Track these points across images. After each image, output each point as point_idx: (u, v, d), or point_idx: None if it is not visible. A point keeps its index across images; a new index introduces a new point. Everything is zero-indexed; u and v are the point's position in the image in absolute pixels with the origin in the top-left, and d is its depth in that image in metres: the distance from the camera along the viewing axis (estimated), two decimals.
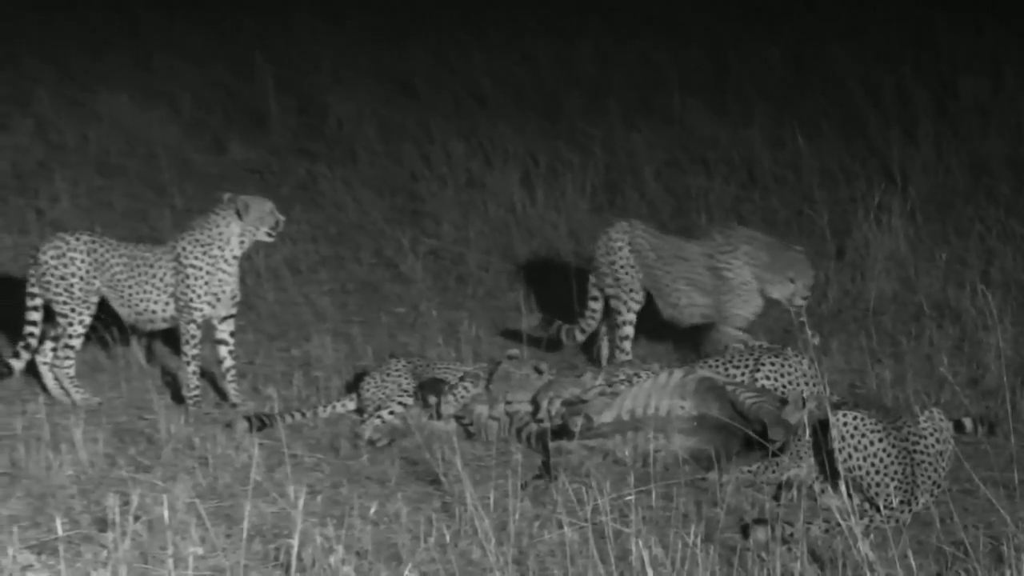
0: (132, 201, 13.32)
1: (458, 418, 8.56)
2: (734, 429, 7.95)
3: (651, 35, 20.22)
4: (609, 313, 9.66)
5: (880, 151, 14.11)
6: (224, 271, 8.90)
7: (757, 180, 13.63)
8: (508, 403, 8.48)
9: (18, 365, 9.02)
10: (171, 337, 9.68)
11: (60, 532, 6.99)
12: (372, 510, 7.27)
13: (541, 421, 8.35)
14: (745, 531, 7.19)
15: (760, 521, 7.20)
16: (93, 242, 8.93)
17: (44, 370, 8.99)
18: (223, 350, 9.01)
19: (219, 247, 8.89)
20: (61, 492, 7.63)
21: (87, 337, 8.99)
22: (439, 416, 8.57)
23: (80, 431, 8.00)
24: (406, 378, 8.75)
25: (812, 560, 6.84)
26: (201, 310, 8.88)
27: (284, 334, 10.10)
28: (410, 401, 8.64)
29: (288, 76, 17.74)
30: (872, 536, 6.95)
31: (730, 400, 8.06)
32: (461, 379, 8.67)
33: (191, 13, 22.61)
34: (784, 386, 8.49)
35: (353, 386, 9.05)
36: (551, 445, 8.10)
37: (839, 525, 6.81)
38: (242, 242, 8.93)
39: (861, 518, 7.02)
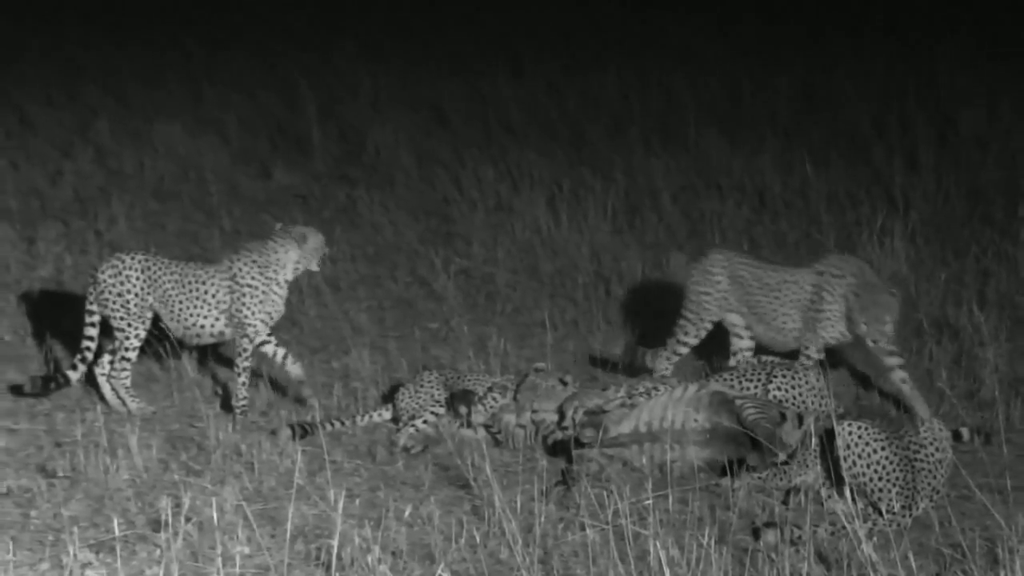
0: (184, 223, 13.36)
1: (487, 427, 8.57)
2: (744, 439, 7.94)
3: (670, 69, 20.22)
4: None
5: (883, 178, 14.09)
6: (276, 293, 8.98)
7: (767, 204, 13.61)
8: (534, 412, 8.48)
9: (74, 376, 9.04)
10: (220, 351, 9.71)
11: (117, 532, 7.02)
12: (407, 512, 7.29)
13: (566, 429, 8.35)
14: (756, 533, 7.18)
15: (770, 524, 7.19)
16: (146, 260, 8.96)
17: (102, 381, 9.02)
18: (270, 347, 9.07)
19: (275, 270, 8.97)
20: (118, 495, 7.65)
21: (142, 350, 9.02)
22: (469, 425, 8.58)
23: (135, 438, 8.02)
24: (438, 389, 8.75)
25: (819, 561, 6.83)
26: (255, 327, 8.93)
27: (325, 348, 10.11)
28: (442, 411, 8.65)
29: (330, 106, 17.78)
30: (875, 538, 6.94)
31: (736, 413, 8.06)
32: (490, 390, 8.68)
33: (240, 47, 22.71)
34: (795, 398, 8.49)
35: (389, 397, 9.06)
36: (574, 453, 8.11)
37: (844, 528, 6.80)
38: (296, 268, 9.03)
39: (865, 521, 7.00)
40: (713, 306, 9.34)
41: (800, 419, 7.93)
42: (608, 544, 6.79)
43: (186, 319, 8.97)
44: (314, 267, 9.12)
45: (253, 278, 8.93)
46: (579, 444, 8.14)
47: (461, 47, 23.63)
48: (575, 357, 9.99)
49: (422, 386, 8.81)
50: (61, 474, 7.89)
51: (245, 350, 8.95)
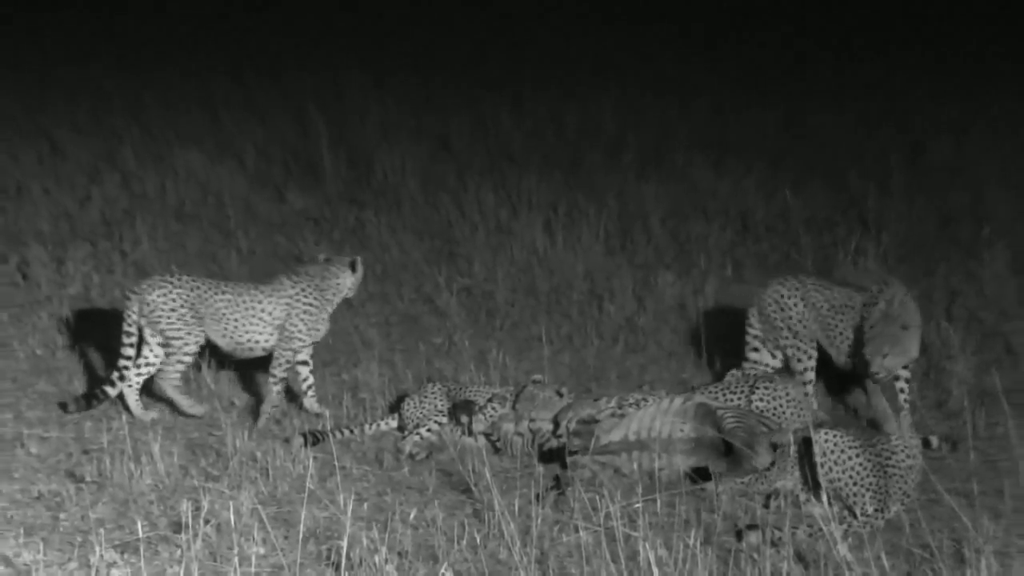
0: (203, 243, 13.36)
1: (487, 435, 8.58)
2: (727, 449, 7.96)
3: (661, 100, 20.27)
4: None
5: (858, 202, 14.11)
6: (327, 312, 9.15)
7: (750, 227, 13.63)
8: (532, 421, 8.49)
9: (113, 392, 9.03)
10: (237, 365, 9.73)
11: (141, 534, 7.04)
12: (412, 515, 7.30)
13: (561, 438, 8.36)
14: (739, 535, 7.19)
15: (752, 526, 7.20)
16: (193, 281, 9.03)
17: (127, 392, 9.03)
18: (305, 370, 9.15)
19: (332, 293, 9.17)
20: (142, 498, 7.66)
21: (152, 365, 9.03)
22: (470, 433, 8.59)
23: (158, 445, 8.03)
24: (441, 400, 8.77)
25: (798, 561, 6.84)
26: (304, 341, 9.06)
27: (336, 360, 10.13)
28: (445, 420, 8.66)
29: (341, 134, 17.79)
30: (850, 539, 6.95)
31: (717, 423, 8.07)
32: (490, 400, 8.69)
33: (257, 78, 22.71)
34: (775, 409, 8.50)
35: (395, 407, 9.07)
36: (568, 459, 8.12)
37: (821, 530, 6.82)
38: (348, 292, 9.23)
39: (840, 524, 7.02)
40: (800, 329, 9.25)
41: (774, 447, 7.93)
42: (600, 545, 6.80)
43: (241, 335, 9.02)
44: (352, 294, 9.40)
45: (315, 299, 9.07)
46: (573, 451, 8.16)
47: (464, 79, 23.67)
48: (570, 370, 10.01)
49: (426, 397, 8.82)
50: (88, 479, 7.89)
51: (288, 362, 9.04)
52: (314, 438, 8.52)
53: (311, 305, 9.07)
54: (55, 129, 18.63)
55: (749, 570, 6.67)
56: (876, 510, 7.36)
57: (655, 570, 6.37)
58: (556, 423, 8.41)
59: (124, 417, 8.74)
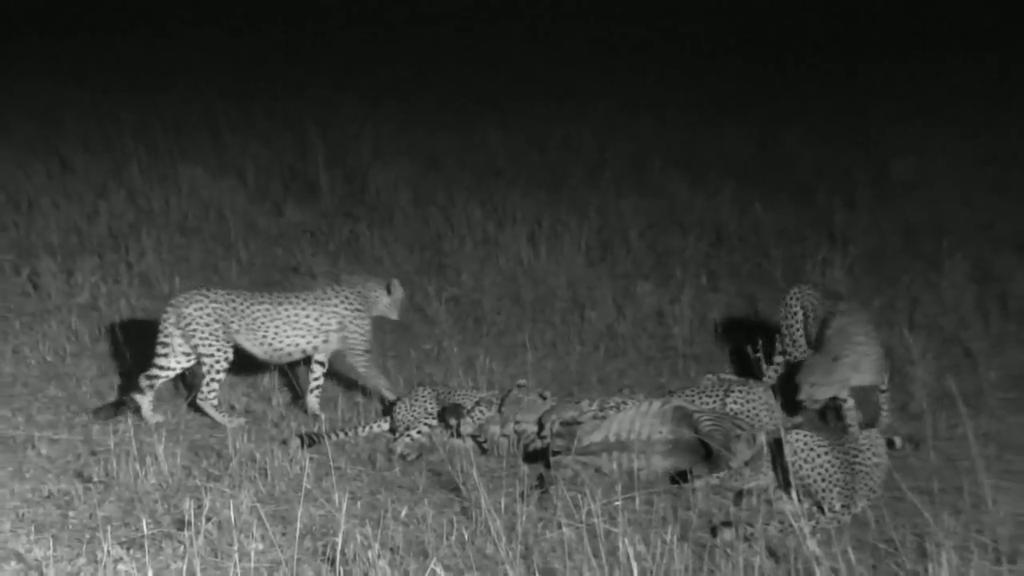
0: (205, 256, 13.33)
1: (474, 436, 8.55)
2: (701, 449, 7.94)
3: (639, 120, 20.30)
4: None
5: (825, 216, 14.12)
6: (367, 320, 9.27)
7: (724, 240, 13.64)
8: (517, 424, 8.47)
9: (142, 400, 9.00)
10: (237, 372, 9.70)
11: (145, 530, 7.01)
12: (403, 513, 7.28)
13: (544, 439, 8.33)
14: (714, 531, 7.17)
15: (726, 523, 7.18)
16: (229, 294, 9.01)
17: (139, 398, 8.98)
18: (319, 370, 9.21)
19: (371, 305, 9.28)
20: (146, 497, 7.62)
21: (172, 371, 9.00)
22: (459, 435, 8.56)
23: (162, 447, 7.99)
24: (431, 403, 8.74)
25: (769, 555, 6.83)
26: (365, 337, 9.19)
27: (331, 365, 10.10)
28: (434, 422, 8.63)
29: (336, 152, 17.79)
30: (819, 535, 6.93)
31: (694, 425, 8.05)
32: (477, 404, 8.66)
33: (257, 100, 22.69)
34: (749, 411, 8.48)
35: (387, 410, 9.04)
36: (551, 460, 8.09)
37: (791, 526, 6.80)
38: (385, 310, 9.36)
39: (810, 520, 7.00)
40: (796, 335, 9.27)
41: (754, 438, 7.92)
42: (582, 541, 6.77)
43: (280, 341, 9.04)
44: (394, 316, 9.44)
45: (359, 304, 9.17)
46: (556, 452, 8.13)
47: (453, 100, 23.68)
48: (553, 375, 9.98)
49: (417, 400, 8.80)
50: (96, 479, 7.86)
51: (366, 361, 9.23)
52: (310, 440, 8.49)
53: (359, 310, 9.14)
54: (66, 148, 18.62)
55: (723, 564, 6.64)
56: (843, 506, 7.34)
57: (634, 565, 6.34)
58: (540, 425, 8.39)
59: (130, 420, 8.69)
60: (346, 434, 8.73)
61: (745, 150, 17.94)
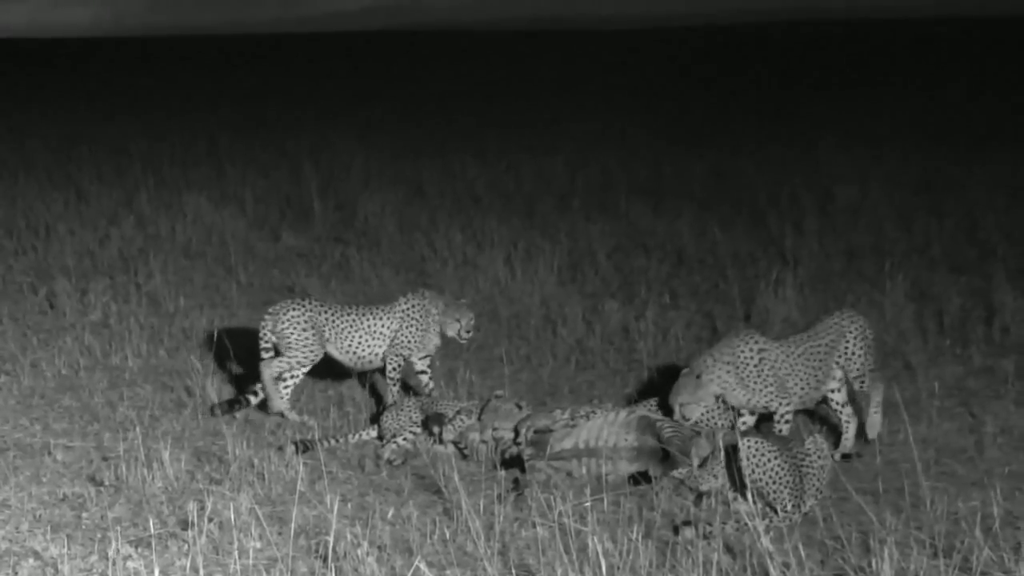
0: (208, 277, 13.31)
1: (456, 443, 8.52)
2: (664, 455, 7.92)
3: (605, 152, 20.34)
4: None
5: (776, 240, 14.17)
6: (434, 333, 9.24)
7: (684, 261, 13.66)
8: (495, 431, 8.43)
9: (255, 400, 9.13)
10: (238, 381, 9.66)
11: (153, 530, 6.97)
12: (390, 514, 7.25)
13: (520, 445, 8.31)
14: (676, 530, 7.14)
15: (687, 522, 7.16)
16: (321, 305, 9.07)
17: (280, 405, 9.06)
18: (424, 377, 9.28)
19: (433, 320, 9.19)
20: (153, 500, 7.57)
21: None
22: (441, 441, 8.53)
23: (168, 453, 7.95)
24: (416, 412, 8.71)
25: (727, 551, 6.80)
26: (411, 351, 9.15)
27: (323, 378, 10.05)
28: (419, 430, 8.60)
29: (328, 182, 17.82)
30: (772, 533, 6.91)
31: (656, 433, 8.03)
32: (458, 413, 8.63)
33: (256, 135, 22.68)
34: (708, 420, 8.44)
35: (375, 418, 9.01)
36: (526, 464, 8.07)
37: (747, 525, 6.78)
38: (450, 332, 9.21)
39: (763, 519, 6.98)
40: None
41: (712, 435, 7.91)
42: (555, 539, 6.74)
43: (363, 351, 9.09)
44: (461, 340, 9.30)
45: (419, 315, 9.13)
46: (530, 457, 8.11)
47: (436, 134, 23.69)
48: (528, 386, 9.95)
49: (402, 410, 8.76)
50: (107, 483, 7.81)
51: (395, 367, 9.17)
52: (304, 446, 8.45)
53: (416, 320, 9.11)
54: (80, 179, 18.60)
55: (684, 560, 6.61)
56: (794, 507, 7.33)
57: (602, 561, 6.32)
58: (516, 432, 8.36)
59: (138, 428, 8.64)
60: (337, 441, 8.69)
61: (703, 179, 18.00)
